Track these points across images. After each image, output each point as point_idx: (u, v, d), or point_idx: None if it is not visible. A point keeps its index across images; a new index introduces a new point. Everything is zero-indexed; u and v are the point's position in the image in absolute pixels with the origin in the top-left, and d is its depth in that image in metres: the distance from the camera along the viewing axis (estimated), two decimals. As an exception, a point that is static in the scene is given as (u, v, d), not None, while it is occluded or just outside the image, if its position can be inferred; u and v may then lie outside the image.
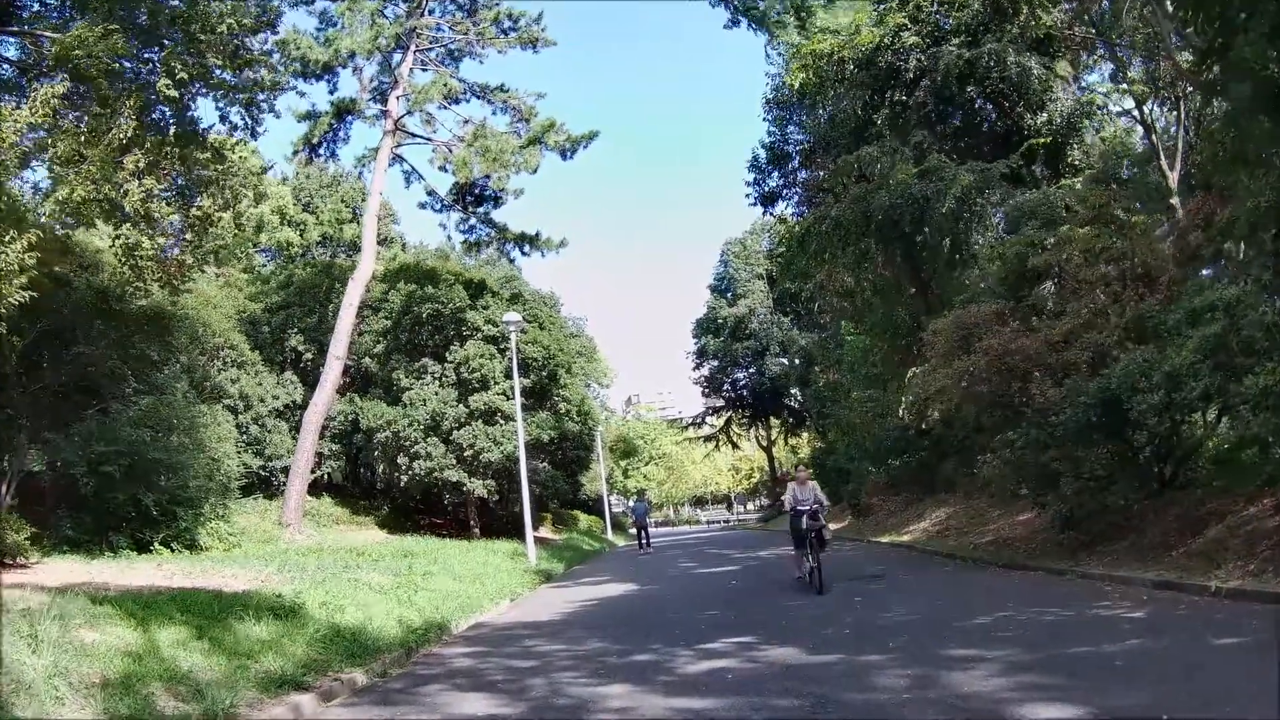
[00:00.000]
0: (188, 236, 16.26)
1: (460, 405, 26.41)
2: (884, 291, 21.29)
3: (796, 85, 19.50)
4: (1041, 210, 12.77)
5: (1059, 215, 12.64)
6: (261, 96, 16.92)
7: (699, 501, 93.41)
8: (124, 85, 14.35)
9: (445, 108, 29.94)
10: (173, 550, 15.35)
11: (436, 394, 26.53)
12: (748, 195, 24.03)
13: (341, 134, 30.25)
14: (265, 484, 26.42)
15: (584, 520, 46.24)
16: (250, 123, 16.73)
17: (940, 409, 12.16)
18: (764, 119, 23.35)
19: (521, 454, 21.57)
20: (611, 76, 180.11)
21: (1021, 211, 13.11)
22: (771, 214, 22.94)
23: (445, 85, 28.60)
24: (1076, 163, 18.68)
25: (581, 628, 10.04)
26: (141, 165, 15.38)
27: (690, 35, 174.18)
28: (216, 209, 18.13)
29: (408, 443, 26.28)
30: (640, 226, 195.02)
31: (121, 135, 14.44)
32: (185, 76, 14.73)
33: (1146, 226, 11.84)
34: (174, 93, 14.23)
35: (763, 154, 23.50)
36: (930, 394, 11.92)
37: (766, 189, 23.47)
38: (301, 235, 45.22)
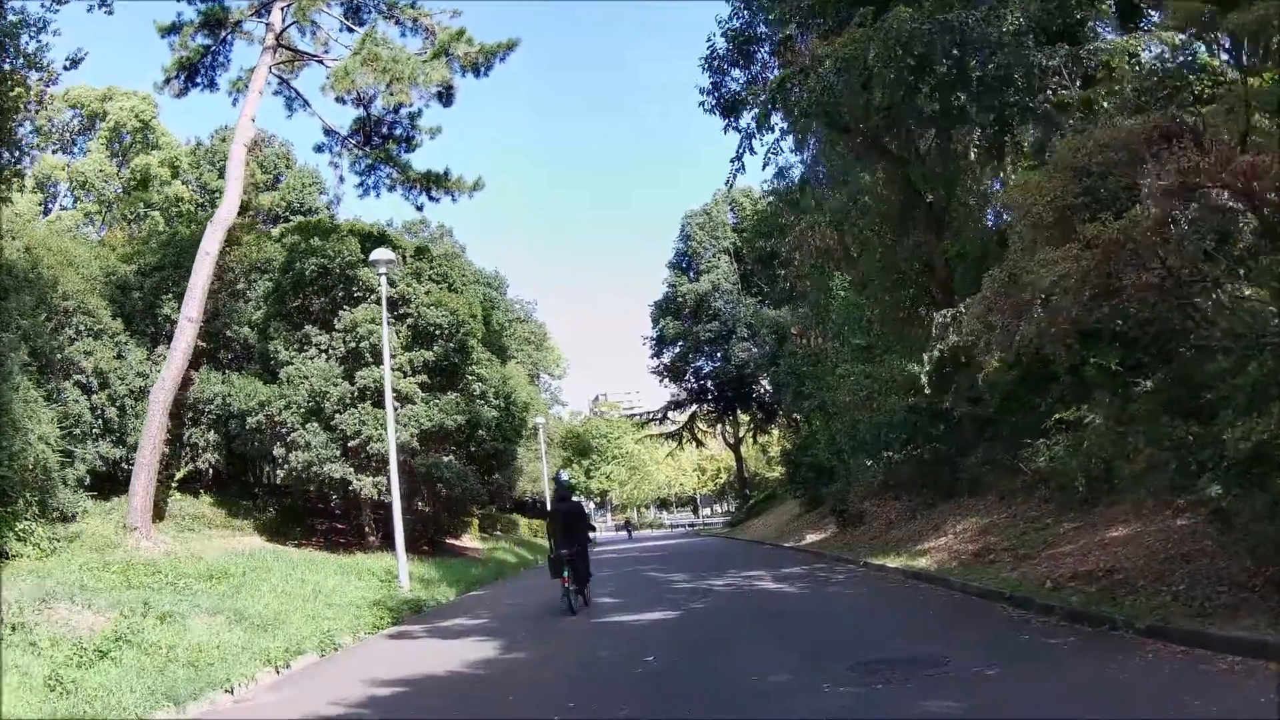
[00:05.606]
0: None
1: (345, 383, 21.11)
2: (882, 223, 15.82)
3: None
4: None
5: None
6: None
7: (664, 504, 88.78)
8: None
9: (349, 29, 24.55)
10: (-38, 558, 12.09)
11: (321, 369, 21.23)
12: (702, 104, 17.56)
13: (221, 58, 25.07)
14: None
15: (524, 526, 40.69)
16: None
17: (1031, 344, 6.61)
18: (728, -3, 17.17)
19: (391, 438, 16.15)
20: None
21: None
22: (734, 128, 16.82)
23: (333, -17, 22.94)
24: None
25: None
26: None
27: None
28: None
29: (284, 429, 21.02)
30: (601, 212, 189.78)
31: None
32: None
33: None
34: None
35: (722, 44, 17.22)
36: (1013, 316, 6.36)
37: (726, 93, 17.30)
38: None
